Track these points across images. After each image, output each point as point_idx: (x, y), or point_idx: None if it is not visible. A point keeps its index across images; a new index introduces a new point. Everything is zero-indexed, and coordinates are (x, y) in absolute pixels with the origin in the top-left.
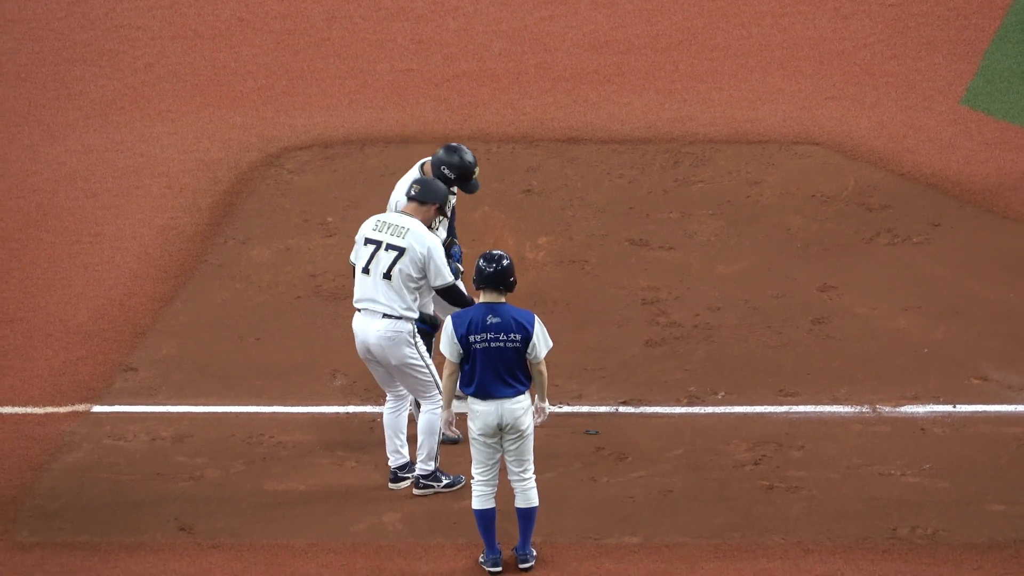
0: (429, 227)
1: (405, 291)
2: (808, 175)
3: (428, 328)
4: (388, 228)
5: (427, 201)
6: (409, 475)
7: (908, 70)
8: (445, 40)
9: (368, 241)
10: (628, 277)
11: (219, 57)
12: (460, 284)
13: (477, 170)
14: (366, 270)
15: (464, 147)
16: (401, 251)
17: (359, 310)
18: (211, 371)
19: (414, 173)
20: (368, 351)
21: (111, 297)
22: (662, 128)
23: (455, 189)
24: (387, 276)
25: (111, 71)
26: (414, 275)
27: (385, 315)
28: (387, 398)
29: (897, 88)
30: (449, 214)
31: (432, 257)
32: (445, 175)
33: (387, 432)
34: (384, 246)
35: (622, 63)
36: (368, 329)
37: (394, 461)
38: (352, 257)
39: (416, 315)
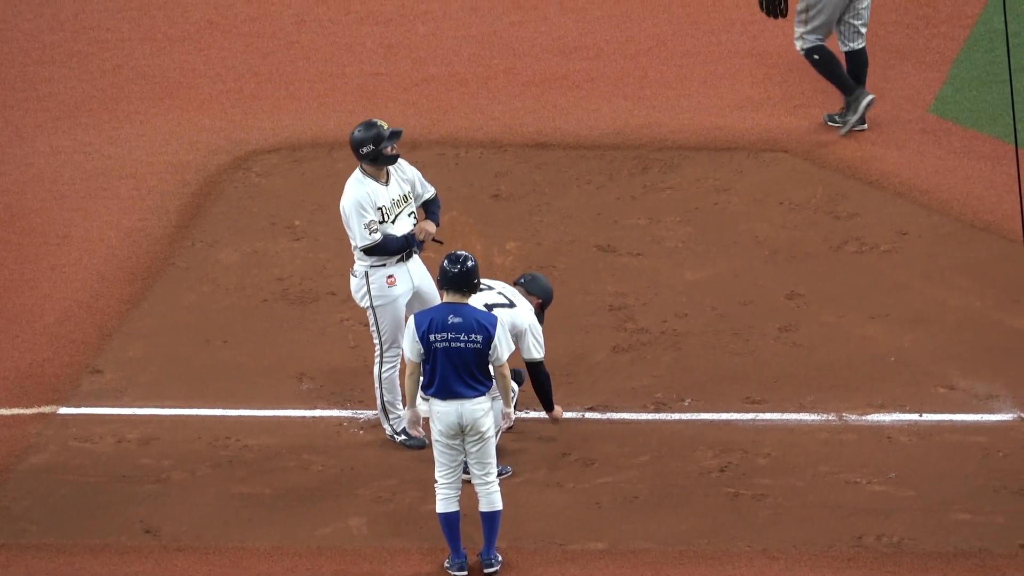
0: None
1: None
2: (776, 183)
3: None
4: (498, 289)
5: (532, 293)
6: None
7: (877, 78)
8: (414, 44)
9: (487, 305)
10: (596, 283)
11: (188, 60)
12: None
13: (370, 138)
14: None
15: (369, 121)
16: (511, 304)
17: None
18: (178, 374)
19: (358, 176)
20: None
21: (78, 299)
22: (631, 134)
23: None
24: None
25: (80, 73)
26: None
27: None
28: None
29: None
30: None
31: (528, 329)
32: (365, 154)
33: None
34: (496, 291)
35: (591, 69)
36: None
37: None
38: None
39: None
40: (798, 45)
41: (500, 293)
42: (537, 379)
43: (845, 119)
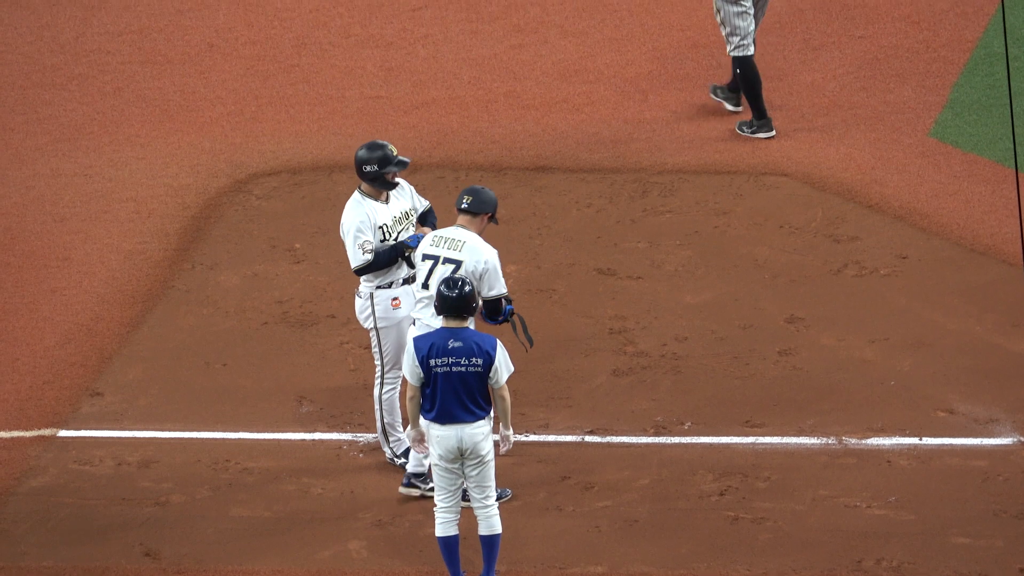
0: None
1: None
2: (776, 206)
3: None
4: (445, 242)
5: (479, 212)
6: (421, 485)
7: (877, 102)
8: (414, 68)
9: (426, 256)
10: (596, 306)
11: (188, 82)
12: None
13: (375, 159)
14: (425, 284)
15: (376, 142)
16: (458, 264)
17: (414, 322)
18: (177, 396)
19: (358, 197)
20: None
21: (78, 322)
22: (631, 158)
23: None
24: None
25: (80, 96)
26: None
27: None
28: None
29: (866, 120)
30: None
31: (488, 270)
32: (366, 172)
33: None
34: (442, 260)
35: (591, 92)
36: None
37: (412, 467)
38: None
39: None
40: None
41: (447, 259)
42: (494, 313)
43: (753, 129)
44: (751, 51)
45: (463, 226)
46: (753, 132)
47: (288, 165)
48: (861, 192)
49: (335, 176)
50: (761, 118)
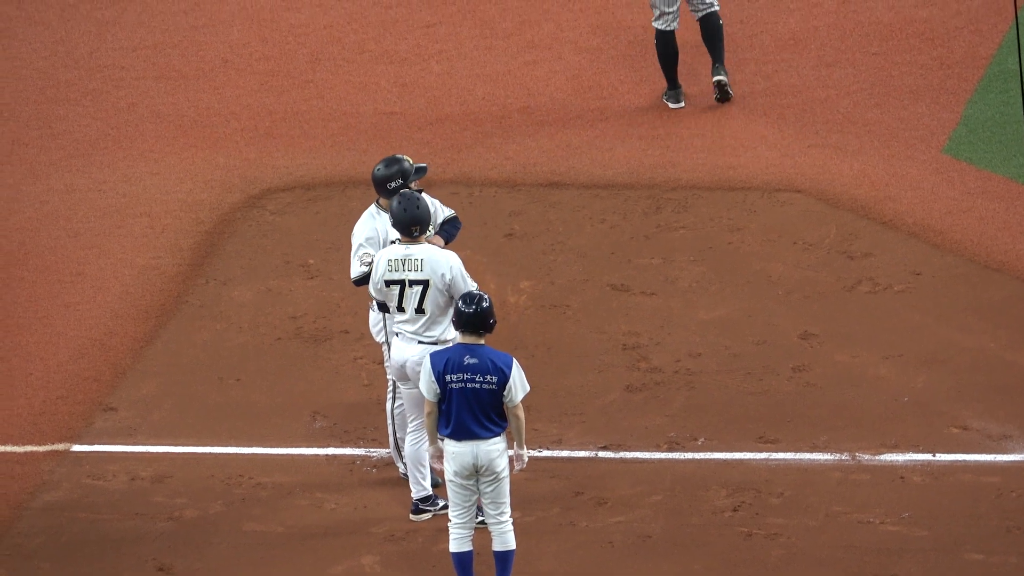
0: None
1: (440, 318)
2: (790, 222)
3: None
4: (404, 264)
5: (416, 226)
6: (431, 508)
7: (891, 118)
8: (428, 83)
9: (390, 283)
10: (609, 322)
11: (202, 98)
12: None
13: (397, 174)
14: (401, 308)
15: (392, 157)
16: (425, 283)
17: (397, 334)
18: (191, 411)
19: (372, 211)
20: (403, 372)
21: (92, 337)
22: (644, 173)
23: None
24: (421, 311)
25: (94, 111)
26: (441, 303)
27: (420, 342)
28: (408, 429)
29: (880, 136)
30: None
31: (454, 276)
32: (392, 189)
33: (408, 464)
34: (407, 283)
35: (605, 108)
36: (404, 352)
37: (416, 493)
38: (373, 292)
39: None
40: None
41: (412, 281)
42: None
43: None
44: (672, 27)
45: (410, 242)
46: (665, 99)
47: (302, 181)
48: (875, 208)
49: (349, 192)
50: (671, 88)
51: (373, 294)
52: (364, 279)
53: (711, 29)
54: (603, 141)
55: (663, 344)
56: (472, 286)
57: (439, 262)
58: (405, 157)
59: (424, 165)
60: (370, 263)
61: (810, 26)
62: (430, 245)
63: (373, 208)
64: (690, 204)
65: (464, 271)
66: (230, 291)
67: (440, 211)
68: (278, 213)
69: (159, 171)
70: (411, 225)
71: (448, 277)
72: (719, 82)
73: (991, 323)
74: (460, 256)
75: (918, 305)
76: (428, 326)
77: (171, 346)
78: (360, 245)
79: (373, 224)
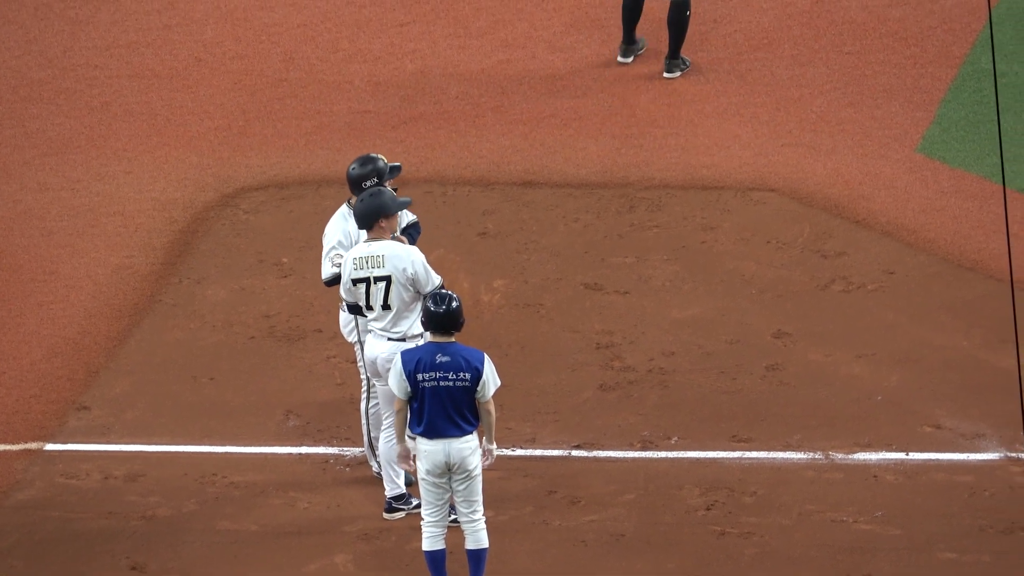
0: (396, 231)
1: (407, 313)
2: (763, 221)
3: None
4: (367, 262)
5: (376, 219)
6: (405, 507)
7: (864, 117)
8: (402, 82)
9: (356, 281)
10: (583, 321)
11: (176, 97)
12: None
13: (372, 173)
14: (369, 307)
15: (366, 156)
16: (388, 279)
17: (370, 331)
18: (164, 410)
19: (344, 211)
20: (375, 368)
21: (65, 336)
22: (618, 173)
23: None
24: (387, 307)
25: (68, 110)
26: (406, 298)
27: (389, 339)
28: (383, 427)
29: (853, 135)
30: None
31: (417, 271)
32: (363, 188)
33: (383, 462)
34: (372, 280)
35: (579, 107)
36: (375, 349)
37: (390, 491)
38: (344, 293)
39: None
40: None
41: (376, 278)
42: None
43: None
44: None
45: (373, 239)
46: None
47: (276, 179)
48: (848, 207)
49: (323, 190)
50: (623, 43)
51: (344, 296)
52: (335, 280)
53: (674, 16)
54: (577, 140)
55: (636, 343)
56: (436, 280)
57: (400, 257)
58: (380, 156)
59: (398, 164)
60: (340, 264)
61: (784, 25)
62: (392, 241)
63: (344, 208)
64: (664, 203)
65: (427, 265)
66: (204, 290)
67: (404, 215)
68: (252, 212)
69: (132, 170)
70: (373, 217)
71: (411, 271)
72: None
73: (965, 322)
74: (434, 255)
75: (892, 304)
76: (395, 322)
77: (144, 345)
78: (332, 247)
79: (344, 226)
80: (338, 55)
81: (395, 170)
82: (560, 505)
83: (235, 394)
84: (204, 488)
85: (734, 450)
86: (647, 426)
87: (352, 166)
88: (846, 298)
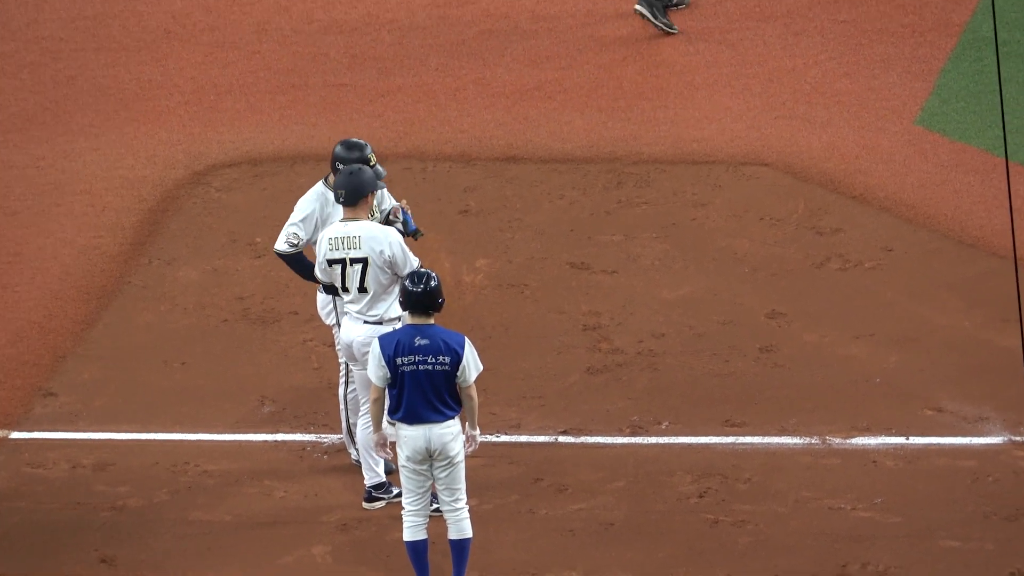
0: (373, 213)
1: (384, 296)
2: (756, 197)
3: None
4: (343, 243)
5: (358, 199)
6: (385, 496)
7: (861, 89)
8: (380, 54)
9: (332, 262)
10: (569, 302)
11: (144, 71)
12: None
13: (352, 159)
14: (345, 289)
15: (359, 143)
16: (364, 260)
17: (346, 313)
18: (134, 396)
19: (320, 188)
20: (351, 352)
21: (30, 319)
22: (605, 147)
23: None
24: (363, 289)
25: (32, 84)
26: (383, 280)
27: (366, 322)
28: (360, 413)
29: (849, 107)
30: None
31: (395, 253)
32: (336, 169)
33: (361, 450)
34: (348, 261)
35: (564, 79)
36: (351, 332)
37: (369, 480)
38: (319, 274)
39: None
40: None
41: (352, 259)
42: None
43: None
44: None
45: (350, 219)
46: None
47: (248, 156)
48: (845, 182)
49: (297, 167)
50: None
51: (319, 276)
52: (285, 257)
53: None
54: (561, 114)
55: (625, 324)
56: (415, 262)
57: (377, 239)
58: (369, 149)
59: (383, 171)
60: (296, 244)
61: None
62: (369, 222)
63: (321, 185)
64: (652, 179)
65: (405, 247)
66: (174, 271)
67: (387, 198)
68: (224, 190)
69: (99, 147)
70: (359, 193)
71: (388, 253)
72: (638, 11)
73: (966, 301)
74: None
75: (890, 282)
76: (371, 305)
77: (113, 329)
78: (293, 224)
79: (315, 204)
80: (313, 26)
81: (379, 174)
82: (547, 493)
83: (208, 379)
84: (176, 477)
85: (727, 435)
86: (636, 411)
87: (338, 146)
88: (843, 276)
